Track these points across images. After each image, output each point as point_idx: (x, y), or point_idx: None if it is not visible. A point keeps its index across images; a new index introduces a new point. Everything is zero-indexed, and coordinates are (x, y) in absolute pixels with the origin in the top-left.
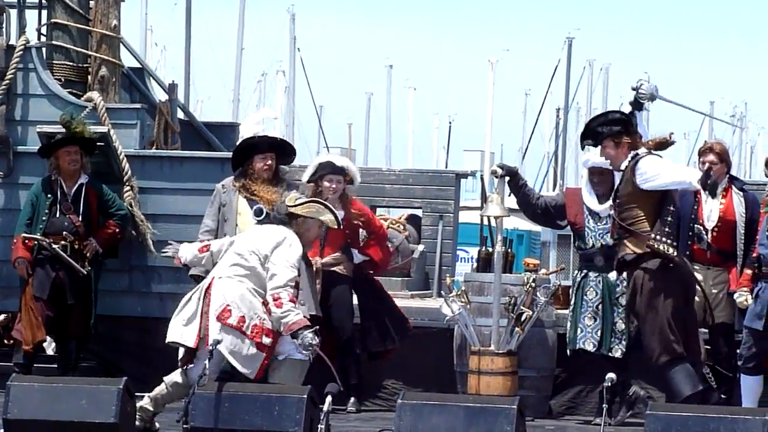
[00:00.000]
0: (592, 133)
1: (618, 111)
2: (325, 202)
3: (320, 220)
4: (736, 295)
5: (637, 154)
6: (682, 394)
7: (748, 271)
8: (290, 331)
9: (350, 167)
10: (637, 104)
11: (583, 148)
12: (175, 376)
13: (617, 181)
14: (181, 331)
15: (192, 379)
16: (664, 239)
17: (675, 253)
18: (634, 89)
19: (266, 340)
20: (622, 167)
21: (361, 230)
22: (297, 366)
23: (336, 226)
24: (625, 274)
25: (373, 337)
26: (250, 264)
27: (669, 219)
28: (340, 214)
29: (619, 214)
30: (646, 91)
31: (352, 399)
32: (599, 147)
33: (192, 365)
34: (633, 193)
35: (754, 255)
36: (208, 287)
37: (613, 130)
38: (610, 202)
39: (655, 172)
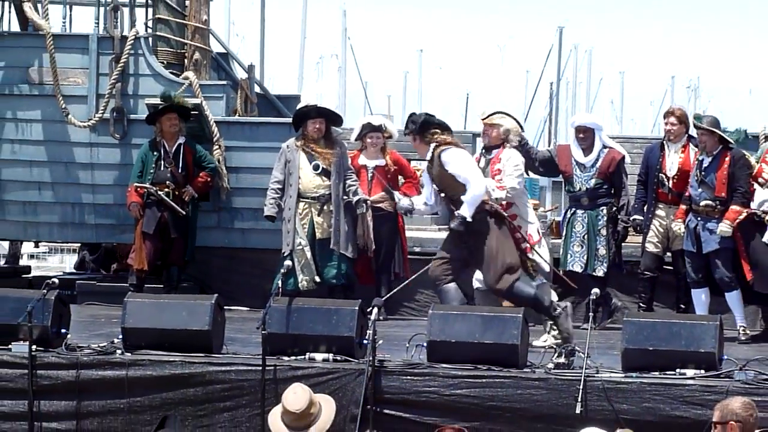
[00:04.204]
0: (416, 124)
1: (425, 114)
2: None
3: None
4: (672, 225)
5: (438, 146)
6: (530, 296)
7: (683, 207)
8: None
9: (387, 125)
10: None
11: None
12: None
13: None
14: None
15: None
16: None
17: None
18: None
19: None
20: (427, 157)
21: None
22: None
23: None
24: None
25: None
26: None
27: None
28: (381, 162)
29: (442, 191)
30: None
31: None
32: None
33: None
34: (444, 177)
35: (687, 195)
36: None
37: (417, 128)
38: (592, 154)
39: (457, 171)
